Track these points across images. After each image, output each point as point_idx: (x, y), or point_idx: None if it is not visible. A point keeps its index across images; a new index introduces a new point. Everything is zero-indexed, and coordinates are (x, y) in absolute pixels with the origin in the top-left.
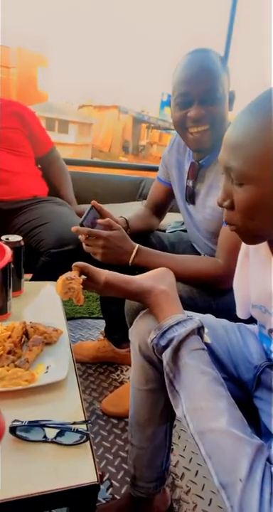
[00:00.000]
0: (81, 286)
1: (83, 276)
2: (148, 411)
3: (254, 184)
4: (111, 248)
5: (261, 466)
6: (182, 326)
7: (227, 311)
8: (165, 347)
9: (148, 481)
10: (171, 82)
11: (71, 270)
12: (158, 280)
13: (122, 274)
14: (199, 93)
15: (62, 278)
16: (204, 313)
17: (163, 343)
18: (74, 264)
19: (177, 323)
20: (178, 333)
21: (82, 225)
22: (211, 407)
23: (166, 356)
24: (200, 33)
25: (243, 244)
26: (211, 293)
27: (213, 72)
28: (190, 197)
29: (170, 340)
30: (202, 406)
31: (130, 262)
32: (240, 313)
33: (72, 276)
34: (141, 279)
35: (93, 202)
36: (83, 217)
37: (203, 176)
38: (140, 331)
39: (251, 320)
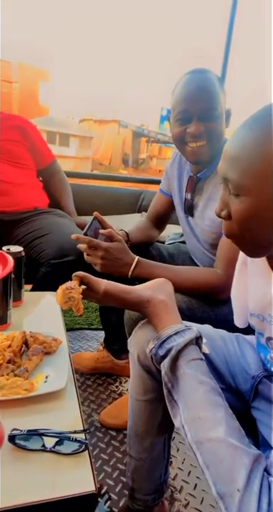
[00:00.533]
0: (81, 296)
1: (83, 286)
2: (146, 421)
3: (249, 196)
4: (111, 259)
5: (259, 476)
6: (180, 336)
7: (226, 322)
8: (163, 357)
9: (146, 494)
10: (171, 100)
11: (71, 280)
12: (157, 290)
13: (121, 284)
14: (198, 110)
15: (62, 287)
16: (202, 323)
17: (161, 352)
18: (74, 273)
19: (175, 333)
20: (177, 343)
21: (86, 234)
22: (209, 417)
23: (165, 366)
24: (198, 48)
25: (241, 253)
26: (210, 304)
27: (211, 91)
28: (189, 209)
29: (169, 350)
30: (201, 416)
31: (129, 274)
32: (238, 321)
33: (72, 286)
34: (140, 289)
35: (96, 213)
36: (86, 227)
37: (201, 189)
38: (139, 341)
39: (249, 330)
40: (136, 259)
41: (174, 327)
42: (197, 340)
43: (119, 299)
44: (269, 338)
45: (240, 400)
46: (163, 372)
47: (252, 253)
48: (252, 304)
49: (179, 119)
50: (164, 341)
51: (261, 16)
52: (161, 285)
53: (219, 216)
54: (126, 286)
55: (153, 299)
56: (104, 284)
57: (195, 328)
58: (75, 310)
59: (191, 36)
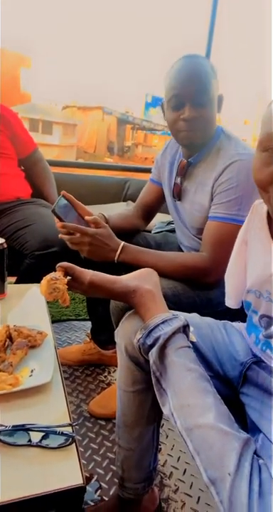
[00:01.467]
0: (66, 287)
1: (68, 277)
2: (135, 412)
3: None
4: (98, 245)
5: (249, 459)
6: (168, 324)
7: (211, 307)
8: (151, 346)
9: (136, 482)
10: (164, 86)
11: (55, 271)
12: (143, 280)
13: (107, 275)
14: (191, 95)
15: (46, 278)
16: (188, 309)
17: (149, 342)
18: (58, 264)
19: (163, 322)
20: (164, 331)
21: (53, 211)
22: (198, 403)
23: (153, 355)
24: (182, 34)
25: (241, 231)
26: (195, 289)
27: (204, 76)
28: (178, 193)
29: (157, 339)
30: (190, 402)
31: (115, 258)
32: (231, 302)
33: (57, 277)
34: (126, 279)
35: (63, 192)
36: (54, 204)
37: (192, 174)
38: (126, 332)
39: (234, 315)
40: (121, 245)
41: (161, 316)
42: (184, 329)
43: (104, 290)
44: (262, 316)
45: (228, 387)
46: (151, 361)
47: None
48: (251, 279)
49: (172, 104)
50: (151, 330)
51: (242, 11)
52: (147, 275)
53: None
54: (112, 276)
55: (139, 288)
56: (89, 274)
57: (183, 316)
58: (61, 301)
59: (175, 23)
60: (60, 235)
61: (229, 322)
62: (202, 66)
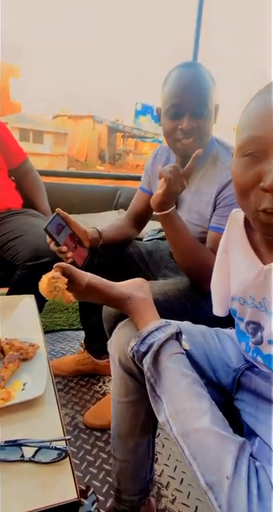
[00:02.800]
0: (66, 286)
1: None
2: (129, 423)
3: None
4: None
5: (246, 462)
6: (161, 331)
7: (203, 313)
8: (145, 353)
9: (132, 494)
10: (161, 94)
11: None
12: (137, 288)
13: (104, 279)
14: (190, 106)
15: (47, 276)
16: (180, 315)
17: (143, 349)
18: (56, 264)
19: (156, 329)
20: (158, 338)
21: (46, 229)
22: (194, 408)
23: (147, 361)
24: (171, 41)
25: (222, 241)
26: (186, 295)
27: (204, 87)
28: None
29: (150, 346)
30: (185, 407)
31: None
32: (218, 310)
33: (58, 276)
34: (121, 286)
35: (57, 210)
36: (47, 222)
37: (188, 183)
38: (119, 343)
39: (226, 322)
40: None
41: (155, 323)
42: (177, 336)
43: (101, 293)
44: (248, 323)
45: (222, 394)
46: (145, 368)
47: None
48: (235, 287)
49: (171, 114)
50: (145, 337)
51: (228, 15)
52: (140, 284)
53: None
54: (109, 281)
55: (134, 296)
56: (88, 277)
57: (176, 324)
58: (65, 299)
59: (164, 30)
60: (51, 247)
61: (221, 329)
62: (203, 75)
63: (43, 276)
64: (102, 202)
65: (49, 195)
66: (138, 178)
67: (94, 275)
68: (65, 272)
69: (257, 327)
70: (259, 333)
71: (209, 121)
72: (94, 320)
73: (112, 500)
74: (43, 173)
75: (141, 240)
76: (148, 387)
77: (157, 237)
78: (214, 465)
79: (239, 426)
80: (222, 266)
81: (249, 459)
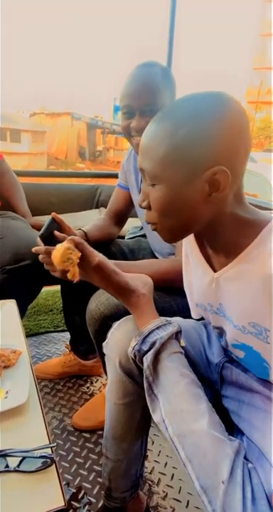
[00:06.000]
0: (78, 261)
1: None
2: (124, 425)
3: (163, 183)
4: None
5: (241, 465)
6: (163, 329)
7: (189, 311)
8: (146, 352)
9: (123, 491)
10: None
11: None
12: (141, 284)
13: (112, 264)
14: (139, 106)
15: (63, 246)
16: (166, 314)
17: (145, 347)
18: (70, 237)
19: (157, 328)
20: (160, 336)
21: (42, 236)
22: (192, 409)
23: (147, 359)
24: (144, 38)
25: (183, 246)
26: (171, 294)
27: (153, 87)
28: None
29: (153, 344)
30: (183, 408)
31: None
32: (193, 313)
33: (73, 248)
34: (128, 277)
35: (53, 214)
36: (43, 228)
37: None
38: (118, 344)
39: None
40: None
41: (156, 321)
42: (176, 335)
43: (106, 277)
44: (213, 327)
45: (212, 391)
46: (145, 366)
47: (172, 238)
48: (195, 294)
49: (124, 113)
50: (147, 336)
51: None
52: (145, 280)
53: (141, 207)
54: (117, 268)
55: (138, 290)
56: (99, 257)
57: (176, 322)
58: (71, 275)
59: (138, 25)
60: (33, 248)
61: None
62: (153, 76)
63: (58, 244)
64: (82, 201)
65: (28, 196)
66: (118, 176)
67: (105, 257)
68: (77, 247)
69: (220, 332)
70: (223, 337)
71: None
72: (79, 320)
73: (103, 501)
74: (21, 174)
75: (123, 237)
76: (145, 385)
77: (139, 234)
78: (210, 469)
79: (229, 425)
80: (187, 270)
81: (243, 462)
